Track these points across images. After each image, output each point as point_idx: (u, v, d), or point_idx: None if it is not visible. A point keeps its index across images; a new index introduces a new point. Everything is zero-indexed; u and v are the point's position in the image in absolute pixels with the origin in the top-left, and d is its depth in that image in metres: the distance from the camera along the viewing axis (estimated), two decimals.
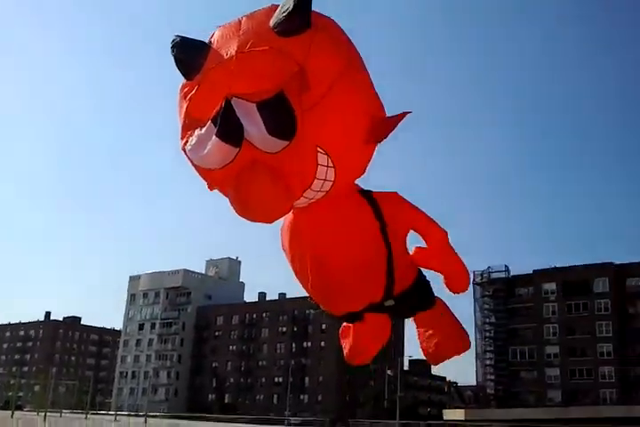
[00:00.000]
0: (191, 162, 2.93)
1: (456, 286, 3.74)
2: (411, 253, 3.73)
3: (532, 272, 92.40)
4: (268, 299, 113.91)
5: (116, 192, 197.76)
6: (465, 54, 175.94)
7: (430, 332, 4.12)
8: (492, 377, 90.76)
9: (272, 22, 2.87)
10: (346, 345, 4.13)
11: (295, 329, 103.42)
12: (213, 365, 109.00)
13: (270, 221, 3.09)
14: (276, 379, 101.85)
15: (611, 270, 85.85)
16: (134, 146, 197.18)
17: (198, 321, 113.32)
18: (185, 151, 2.92)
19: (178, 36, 3.04)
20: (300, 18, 2.81)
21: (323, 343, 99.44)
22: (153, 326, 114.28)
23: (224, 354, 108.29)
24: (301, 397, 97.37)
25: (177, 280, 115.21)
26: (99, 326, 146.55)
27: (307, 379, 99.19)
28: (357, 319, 3.79)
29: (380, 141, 3.07)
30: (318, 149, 2.90)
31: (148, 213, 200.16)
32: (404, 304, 3.72)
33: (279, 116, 2.72)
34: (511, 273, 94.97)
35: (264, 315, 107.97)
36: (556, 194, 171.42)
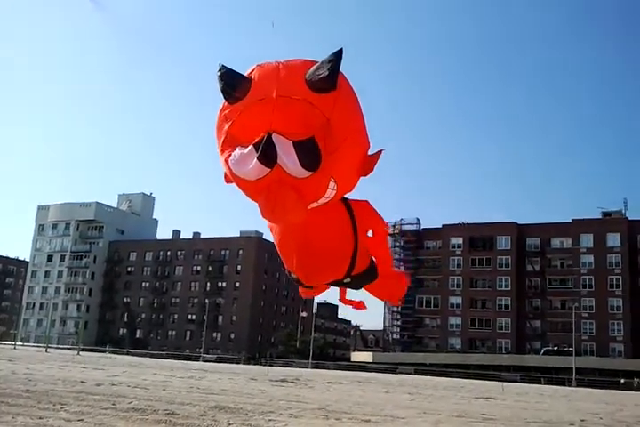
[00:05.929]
0: (231, 171, 3.74)
1: (382, 270, 5.12)
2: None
3: (441, 226, 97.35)
4: (182, 237, 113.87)
5: (28, 119, 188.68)
6: None
7: (380, 286, 5.36)
8: (399, 323, 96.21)
9: (307, 78, 3.63)
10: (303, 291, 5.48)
11: (210, 269, 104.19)
12: (125, 300, 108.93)
13: (288, 224, 4.20)
14: (190, 316, 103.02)
15: (513, 229, 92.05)
16: (51, 76, 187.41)
17: (110, 256, 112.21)
18: (228, 163, 3.73)
19: (224, 66, 3.77)
20: (331, 83, 3.65)
21: (237, 284, 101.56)
22: (62, 258, 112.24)
23: (136, 290, 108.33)
24: (214, 335, 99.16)
25: (89, 213, 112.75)
26: (2, 254, 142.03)
27: (220, 318, 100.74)
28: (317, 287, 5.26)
29: (367, 175, 4.15)
30: (330, 178, 3.79)
31: (61, 141, 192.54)
32: (356, 282, 5.02)
33: (311, 155, 3.56)
34: (422, 226, 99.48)
35: (178, 253, 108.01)
36: (474, 155, 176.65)
